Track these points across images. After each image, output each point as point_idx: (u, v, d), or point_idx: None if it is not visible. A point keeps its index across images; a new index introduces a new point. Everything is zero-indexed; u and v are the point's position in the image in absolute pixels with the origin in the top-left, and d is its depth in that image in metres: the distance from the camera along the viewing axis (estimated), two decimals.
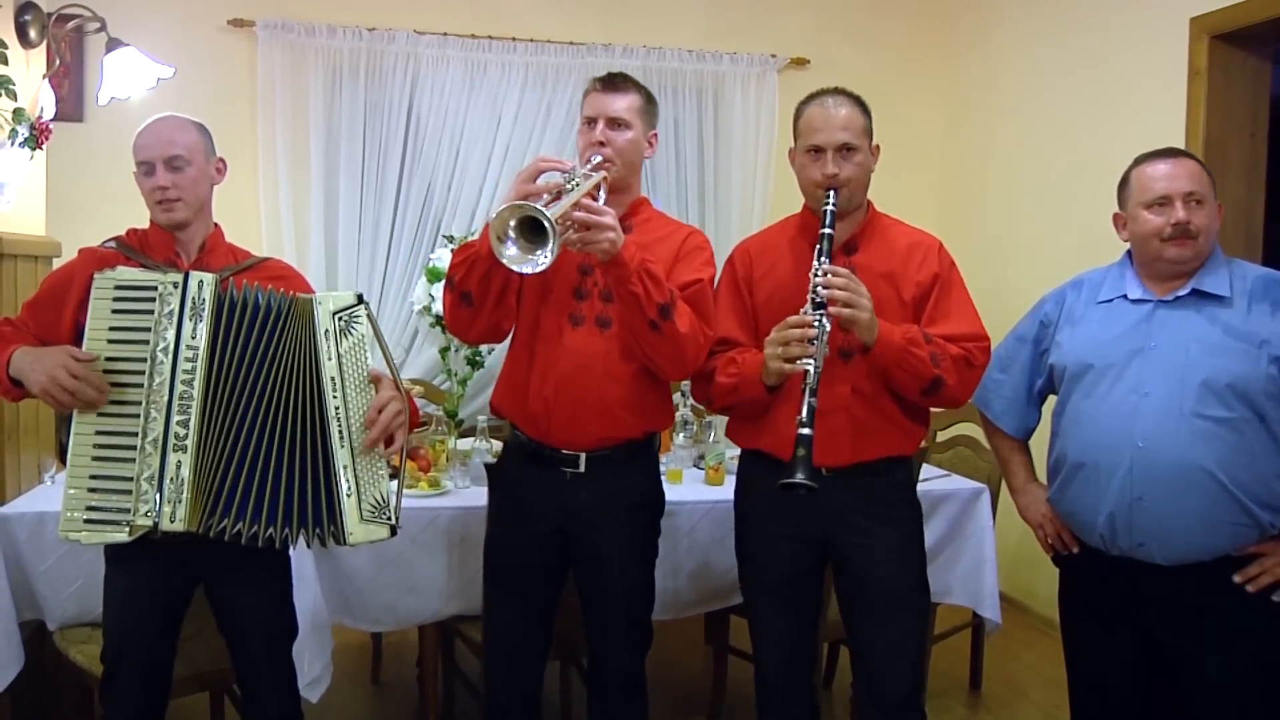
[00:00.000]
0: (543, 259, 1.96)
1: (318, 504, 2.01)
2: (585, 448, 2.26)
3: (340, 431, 2.01)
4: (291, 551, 2.24)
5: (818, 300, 2.07)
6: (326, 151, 4.35)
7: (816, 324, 2.05)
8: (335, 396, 2.02)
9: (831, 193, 2.18)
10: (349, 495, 2.00)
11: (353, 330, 2.05)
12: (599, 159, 2.25)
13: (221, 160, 2.25)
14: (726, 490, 3.08)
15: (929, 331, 2.19)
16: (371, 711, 3.38)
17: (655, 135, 2.41)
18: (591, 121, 2.31)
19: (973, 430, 3.43)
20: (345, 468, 2.01)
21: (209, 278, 2.01)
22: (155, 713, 2.18)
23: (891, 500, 2.27)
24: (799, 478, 1.96)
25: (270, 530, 2.00)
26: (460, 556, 2.77)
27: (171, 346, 1.98)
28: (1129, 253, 2.21)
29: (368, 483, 2.02)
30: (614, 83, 2.34)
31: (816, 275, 2.09)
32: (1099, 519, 2.08)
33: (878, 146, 2.29)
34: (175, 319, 1.98)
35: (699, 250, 2.37)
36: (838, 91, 2.26)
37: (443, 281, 3.49)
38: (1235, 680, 2.00)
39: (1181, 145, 3.51)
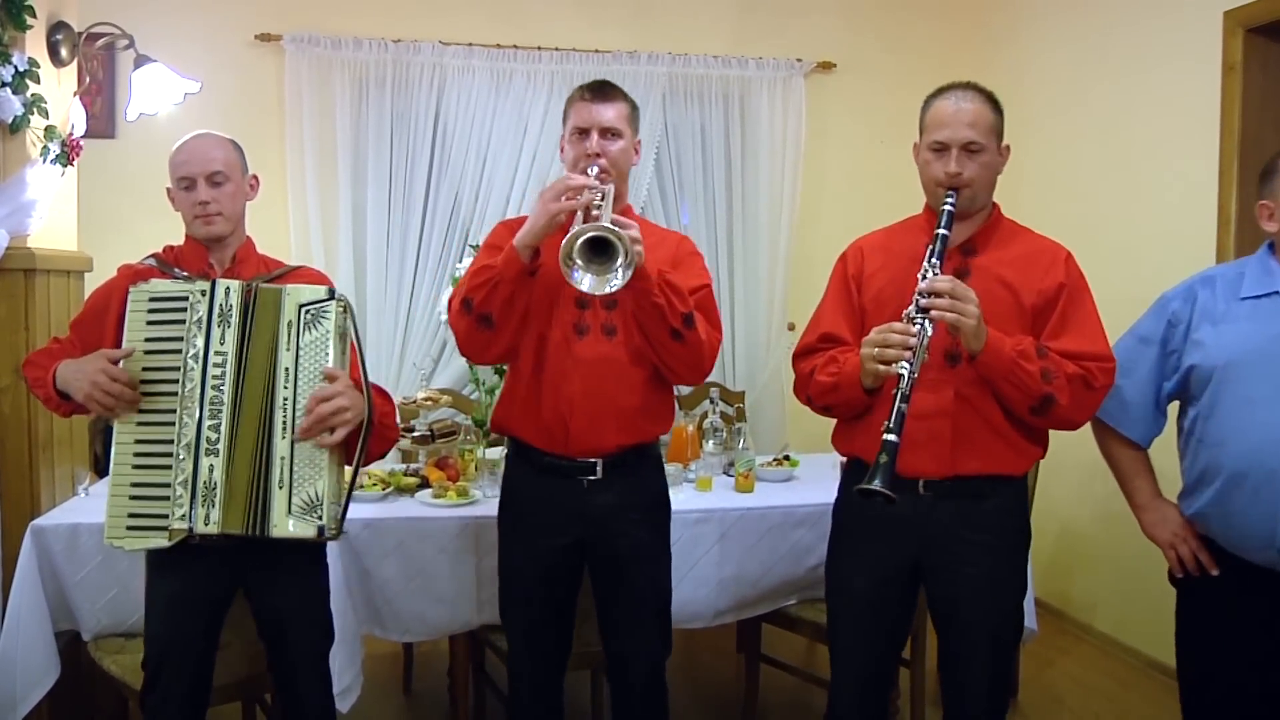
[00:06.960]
0: (616, 278, 1.96)
1: (253, 492, 2.01)
2: (603, 454, 2.24)
3: (284, 422, 2.01)
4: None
5: (921, 303, 1.97)
6: (354, 163, 4.38)
7: (918, 327, 1.95)
8: (285, 388, 2.02)
9: (953, 192, 2.06)
10: (280, 487, 2.00)
11: (318, 325, 2.04)
12: (596, 170, 2.18)
13: (255, 177, 2.29)
14: (757, 497, 3.08)
15: (1047, 345, 2.05)
16: None
17: (639, 142, 2.35)
18: (583, 132, 2.23)
19: None
20: (282, 459, 2.01)
21: (235, 284, 2.03)
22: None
23: (995, 527, 2.11)
24: (877, 484, 1.86)
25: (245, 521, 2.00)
26: (490, 566, 2.71)
27: (201, 352, 2.00)
28: (1270, 245, 2.08)
29: (301, 479, 2.01)
30: (604, 92, 2.26)
31: (923, 277, 2.00)
32: (1278, 532, 1.92)
33: (1007, 147, 2.15)
34: (204, 326, 2.00)
35: (695, 256, 2.35)
36: (968, 86, 2.11)
37: None
38: None
39: (1215, 141, 3.45)
